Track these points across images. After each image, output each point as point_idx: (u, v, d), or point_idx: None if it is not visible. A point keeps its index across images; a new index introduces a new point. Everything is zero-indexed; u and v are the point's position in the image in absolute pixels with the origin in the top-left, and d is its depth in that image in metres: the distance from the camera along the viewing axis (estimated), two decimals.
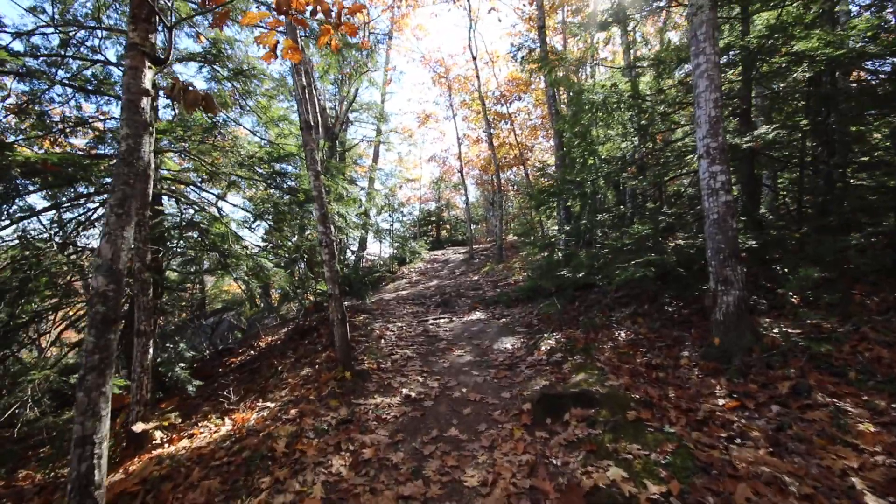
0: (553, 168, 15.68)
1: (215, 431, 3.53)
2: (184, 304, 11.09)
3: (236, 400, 4.33)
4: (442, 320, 7.51)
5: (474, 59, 15.32)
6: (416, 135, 23.31)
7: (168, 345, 5.51)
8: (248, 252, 5.58)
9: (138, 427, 3.28)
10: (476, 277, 13.11)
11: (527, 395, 3.81)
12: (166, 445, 3.41)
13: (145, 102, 2.32)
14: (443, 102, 20.78)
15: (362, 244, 18.42)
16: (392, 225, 19.96)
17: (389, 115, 18.70)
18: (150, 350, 3.53)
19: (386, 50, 18.75)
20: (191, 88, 3.99)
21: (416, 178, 27.29)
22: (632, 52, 10.40)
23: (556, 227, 16.20)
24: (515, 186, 22.39)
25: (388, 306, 9.50)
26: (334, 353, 4.61)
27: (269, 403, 3.90)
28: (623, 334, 5.35)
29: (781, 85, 6.58)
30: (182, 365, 4.77)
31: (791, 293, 5.08)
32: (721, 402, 3.46)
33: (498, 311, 8.07)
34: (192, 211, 6.90)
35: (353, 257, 17.80)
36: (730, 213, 4.27)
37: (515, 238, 21.47)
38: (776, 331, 4.45)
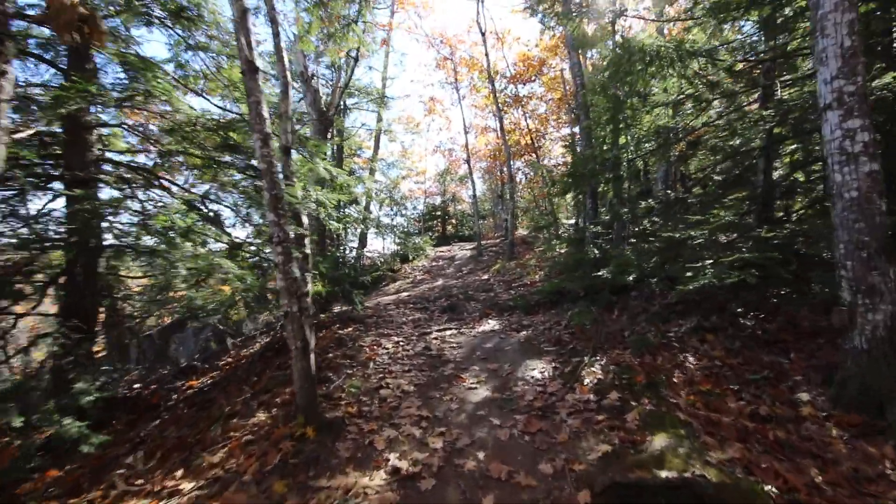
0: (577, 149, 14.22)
1: None
2: (160, 311, 9.80)
3: (151, 467, 3.02)
4: (448, 332, 6.15)
5: (483, 34, 13.85)
6: (421, 124, 21.93)
7: (88, 375, 4.20)
8: (193, 251, 4.25)
9: None
10: (486, 276, 11.75)
11: (580, 471, 2.45)
12: None
13: None
14: (448, 87, 19.31)
15: (362, 240, 17.15)
16: (393, 219, 18.60)
17: (391, 99, 17.29)
18: None
19: (387, 28, 17.37)
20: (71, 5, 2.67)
21: (422, 172, 25.89)
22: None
23: (573, 220, 14.76)
24: (528, 175, 20.91)
25: (385, 312, 8.17)
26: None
27: (185, 484, 2.58)
28: (692, 359, 3.97)
29: None
30: (93, 398, 3.47)
31: None
32: None
33: (515, 319, 6.70)
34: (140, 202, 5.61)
35: (352, 255, 16.56)
36: (876, 189, 2.86)
37: (526, 233, 20.05)
38: None
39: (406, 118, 21.26)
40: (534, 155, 17.92)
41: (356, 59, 12.45)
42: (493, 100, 14.67)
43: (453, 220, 24.82)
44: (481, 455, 2.74)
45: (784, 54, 5.60)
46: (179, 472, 2.77)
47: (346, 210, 15.91)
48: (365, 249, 17.32)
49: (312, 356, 3.04)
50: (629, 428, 2.79)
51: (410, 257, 16.46)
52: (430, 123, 23.45)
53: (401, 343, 5.48)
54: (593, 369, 3.87)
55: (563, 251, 10.76)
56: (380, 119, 17.36)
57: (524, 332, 5.66)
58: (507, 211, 18.26)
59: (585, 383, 3.59)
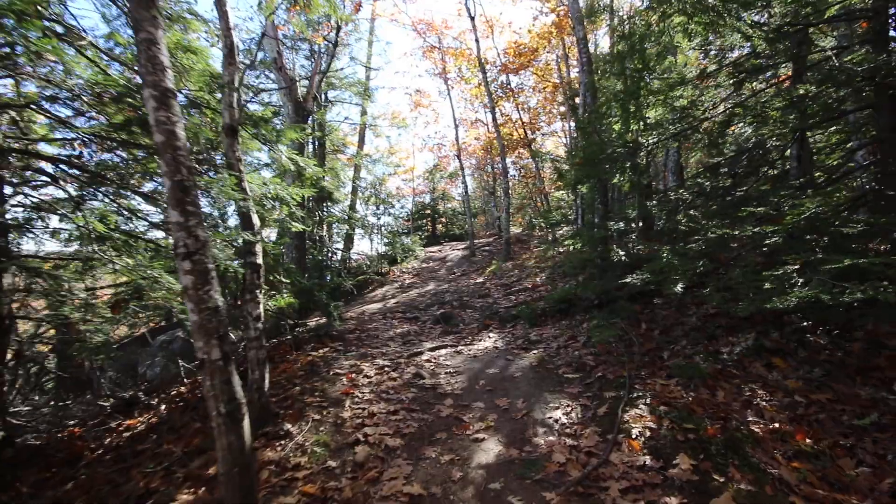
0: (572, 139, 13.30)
1: None
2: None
3: None
4: (443, 351, 5.19)
5: (472, 17, 12.89)
6: (408, 119, 20.86)
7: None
8: (116, 262, 3.22)
9: None
10: (481, 279, 10.81)
11: None
12: None
13: None
14: (436, 77, 18.23)
15: (348, 241, 16.11)
16: (379, 219, 17.58)
17: (375, 90, 16.32)
18: None
19: (370, 18, 16.42)
20: None
21: (410, 169, 24.84)
22: None
23: (573, 217, 13.85)
24: (521, 171, 20.05)
25: (369, 324, 7.18)
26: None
27: None
28: (762, 393, 3.05)
29: None
30: None
31: None
32: None
33: (520, 332, 5.76)
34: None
35: (337, 258, 15.53)
36: None
37: (521, 231, 19.16)
38: None
39: (392, 113, 20.24)
40: (527, 149, 17.02)
41: (335, 45, 11.41)
42: (485, 89, 13.74)
43: (443, 219, 23.84)
44: None
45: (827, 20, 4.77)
46: None
47: (329, 209, 14.87)
48: (351, 251, 16.29)
49: (247, 423, 2.05)
50: None
51: (399, 259, 15.46)
52: (417, 118, 22.46)
53: (386, 368, 4.50)
54: (638, 411, 2.93)
55: (565, 251, 9.88)
56: (364, 113, 16.37)
57: (534, 352, 4.72)
58: (501, 208, 17.37)
59: (634, 435, 2.64)
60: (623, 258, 4.27)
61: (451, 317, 7.09)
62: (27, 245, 4.28)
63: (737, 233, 3.21)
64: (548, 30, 15.13)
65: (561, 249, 11.00)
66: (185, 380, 5.43)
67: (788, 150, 5.58)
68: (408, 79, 34.48)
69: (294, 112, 11.14)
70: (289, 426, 3.02)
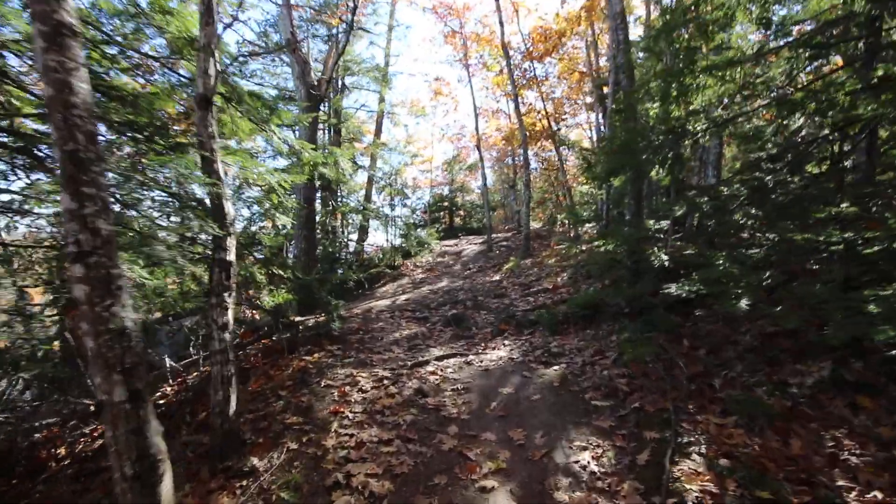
0: (603, 130, 12.45)
1: None
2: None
3: None
4: (451, 361, 4.62)
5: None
6: (427, 108, 20.19)
7: None
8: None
9: None
10: (497, 277, 10.18)
11: None
12: None
13: None
14: (457, 63, 17.53)
15: (362, 233, 15.65)
16: (394, 210, 17.06)
17: (394, 76, 15.72)
18: None
19: (390, 1, 15.81)
20: None
21: (428, 159, 24.19)
22: None
23: (590, 215, 13.01)
24: (543, 164, 19.24)
25: (374, 323, 6.66)
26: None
27: None
28: (850, 444, 2.39)
29: None
30: None
31: None
32: None
33: (539, 341, 5.15)
34: None
35: (350, 249, 15.08)
36: None
37: (540, 226, 18.38)
38: None
39: (410, 101, 19.64)
40: (550, 140, 16.18)
41: (351, 26, 10.81)
42: (508, 76, 12.97)
43: (461, 212, 23.19)
44: None
45: None
46: None
47: (343, 199, 14.40)
48: (365, 243, 15.81)
49: (168, 483, 1.52)
50: None
51: (413, 252, 14.90)
52: (436, 107, 21.75)
53: (385, 381, 3.96)
54: (691, 463, 2.31)
55: (588, 250, 9.15)
56: (382, 100, 15.79)
57: (555, 367, 4.10)
58: (520, 202, 16.66)
59: (689, 502, 2.02)
60: (665, 262, 3.61)
61: (463, 319, 6.51)
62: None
63: (821, 238, 2.53)
64: (576, 14, 14.23)
65: (584, 248, 10.28)
66: (170, 381, 5.02)
67: (837, 145, 4.80)
68: (427, 66, 33.55)
69: (307, 97, 10.64)
70: (255, 460, 2.50)
